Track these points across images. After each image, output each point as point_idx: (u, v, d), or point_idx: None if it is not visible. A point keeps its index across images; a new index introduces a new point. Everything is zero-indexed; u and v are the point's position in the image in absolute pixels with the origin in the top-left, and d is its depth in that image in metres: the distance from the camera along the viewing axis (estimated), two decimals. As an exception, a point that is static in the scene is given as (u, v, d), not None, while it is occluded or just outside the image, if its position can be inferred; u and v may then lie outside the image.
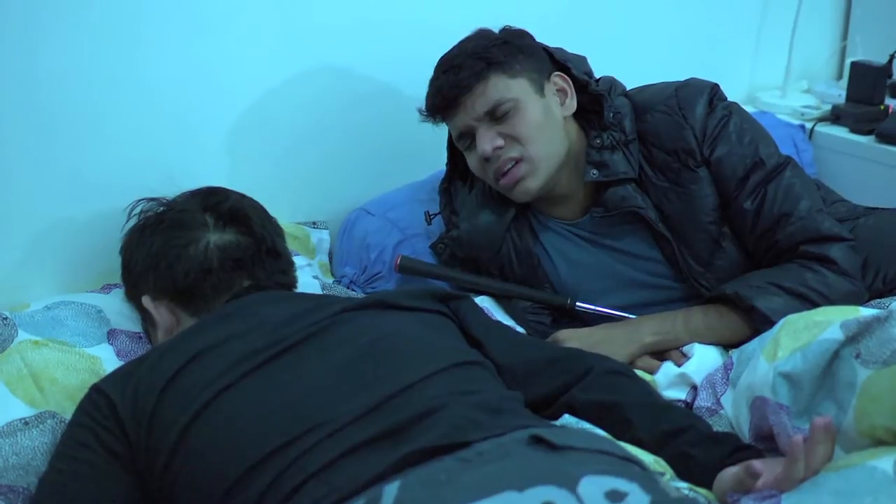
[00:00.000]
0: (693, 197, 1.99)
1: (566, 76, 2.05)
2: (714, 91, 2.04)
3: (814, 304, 1.84)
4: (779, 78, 3.15)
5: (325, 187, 2.38)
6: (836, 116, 2.99)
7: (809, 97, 3.18)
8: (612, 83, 2.10)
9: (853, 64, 3.01)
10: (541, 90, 2.01)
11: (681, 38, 2.91)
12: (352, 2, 2.30)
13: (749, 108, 3.10)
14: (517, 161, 1.97)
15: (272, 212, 1.87)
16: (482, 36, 2.04)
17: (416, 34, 2.31)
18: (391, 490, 1.18)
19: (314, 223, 2.34)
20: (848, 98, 3.01)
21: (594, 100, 2.05)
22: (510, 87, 1.97)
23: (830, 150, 2.92)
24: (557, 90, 2.04)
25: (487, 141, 1.97)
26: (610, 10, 2.76)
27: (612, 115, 2.02)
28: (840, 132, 2.95)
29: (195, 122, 2.14)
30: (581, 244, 2.09)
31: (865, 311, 1.53)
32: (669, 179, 2.00)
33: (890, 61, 2.98)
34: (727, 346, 1.93)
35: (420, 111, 2.06)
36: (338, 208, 2.38)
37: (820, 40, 3.33)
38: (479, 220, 2.11)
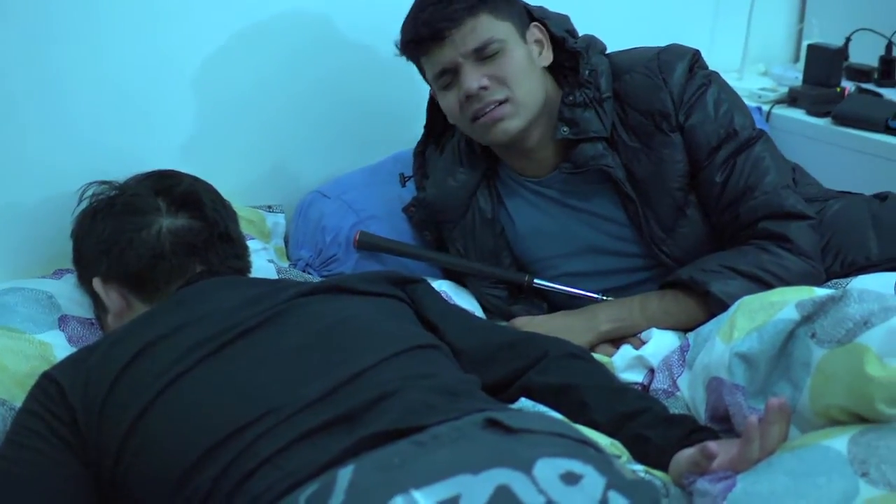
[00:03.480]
0: (663, 161, 1.98)
1: (542, 27, 2.03)
2: (695, 57, 2.03)
3: (770, 287, 1.82)
4: (736, 60, 3.16)
5: (280, 171, 2.37)
6: (793, 99, 3.00)
7: (766, 80, 3.19)
8: (590, 41, 2.07)
9: (810, 46, 3.02)
10: (524, 36, 1.99)
11: (636, 19, 2.90)
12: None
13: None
14: (501, 102, 1.94)
15: (226, 195, 1.86)
16: None
17: (373, 19, 2.28)
18: (345, 474, 1.18)
19: (269, 207, 2.32)
20: (805, 80, 3.01)
21: (571, 57, 2.03)
22: (499, 28, 1.94)
23: (787, 133, 2.93)
24: (535, 41, 2.02)
25: (475, 79, 1.93)
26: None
27: (587, 72, 2.00)
28: (797, 114, 2.95)
29: (148, 105, 2.12)
30: (546, 206, 2.09)
31: (820, 292, 1.53)
32: (641, 141, 1.99)
33: (846, 44, 3.00)
34: (685, 330, 1.92)
35: (396, 45, 2.02)
36: (293, 191, 2.36)
37: (777, 23, 3.34)
38: (447, 184, 2.11)
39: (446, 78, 1.97)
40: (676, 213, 2.00)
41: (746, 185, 1.95)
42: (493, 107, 1.94)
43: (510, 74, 1.94)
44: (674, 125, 1.97)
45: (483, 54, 1.93)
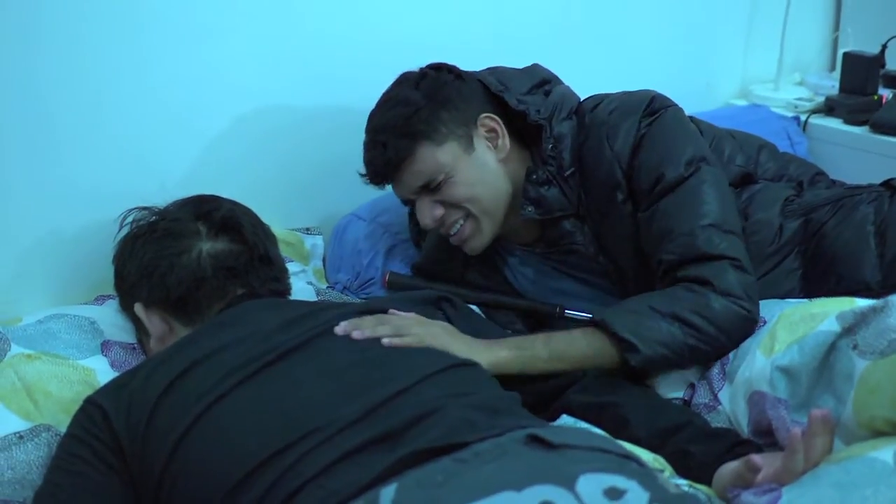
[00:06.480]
0: (625, 228, 1.91)
1: (495, 116, 1.96)
2: (647, 108, 1.92)
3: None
4: (771, 71, 3.14)
5: (317, 193, 2.38)
6: (829, 108, 2.99)
7: (802, 89, 3.18)
8: (558, 104, 1.98)
9: (845, 55, 3.01)
10: (470, 144, 1.94)
11: (673, 33, 2.90)
12: (343, 11, 2.30)
13: (742, 102, 3.11)
14: (464, 218, 1.95)
15: (265, 218, 1.86)
16: (402, 100, 1.94)
17: (404, 43, 2.30)
18: (388, 492, 1.18)
19: (307, 229, 2.34)
20: (841, 89, 3.00)
21: (536, 127, 1.96)
22: (438, 158, 1.90)
23: (825, 142, 2.92)
24: (487, 132, 1.96)
25: (427, 214, 1.94)
26: (601, 5, 2.75)
27: (550, 146, 1.94)
28: (834, 123, 2.94)
29: (186, 131, 2.13)
30: (539, 266, 2.09)
31: (861, 302, 1.52)
32: (601, 212, 1.93)
33: (882, 51, 2.98)
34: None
35: (360, 174, 1.99)
36: (330, 214, 2.37)
37: (811, 32, 3.33)
38: (437, 251, 2.11)
39: (410, 205, 2.02)
40: (650, 273, 1.89)
41: (665, 229, 1.84)
42: (456, 229, 1.95)
43: (461, 197, 1.92)
44: (626, 194, 1.90)
45: (430, 187, 1.92)
